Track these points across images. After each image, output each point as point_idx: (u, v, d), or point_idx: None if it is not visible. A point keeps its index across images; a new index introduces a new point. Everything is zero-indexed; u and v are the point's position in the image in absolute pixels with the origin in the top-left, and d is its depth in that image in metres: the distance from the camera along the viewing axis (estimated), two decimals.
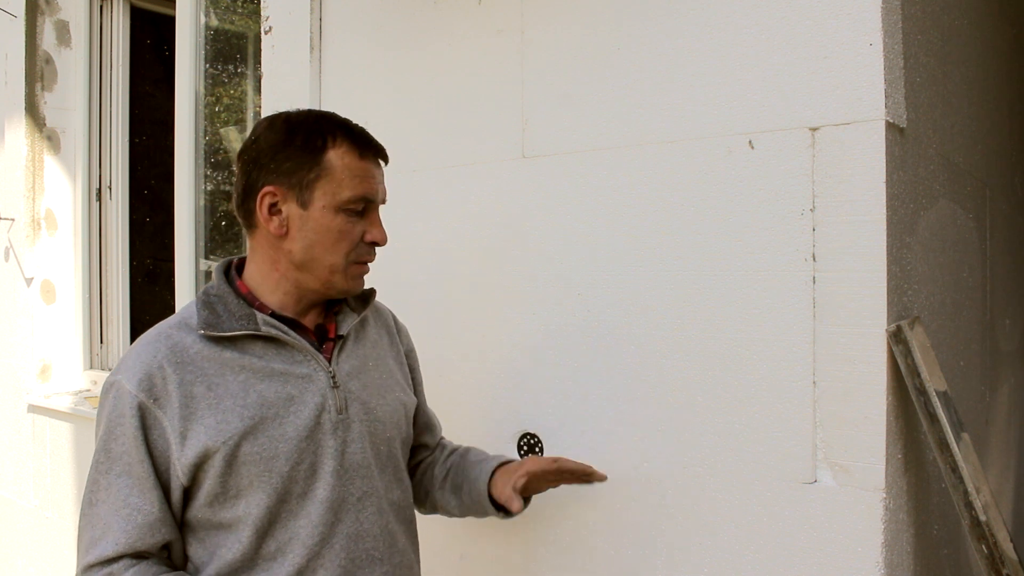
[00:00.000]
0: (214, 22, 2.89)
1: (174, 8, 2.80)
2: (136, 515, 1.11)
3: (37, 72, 3.09)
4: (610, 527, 1.51)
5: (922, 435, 1.36)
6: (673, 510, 1.43)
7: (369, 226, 1.24)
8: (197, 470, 1.14)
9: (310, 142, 1.19)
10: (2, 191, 3.20)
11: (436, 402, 1.73)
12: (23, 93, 3.08)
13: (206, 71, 2.82)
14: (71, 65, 3.16)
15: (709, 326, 1.39)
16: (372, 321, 1.38)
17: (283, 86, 2.07)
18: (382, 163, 1.27)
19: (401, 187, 1.83)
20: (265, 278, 1.23)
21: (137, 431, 1.12)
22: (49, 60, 3.11)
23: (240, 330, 1.17)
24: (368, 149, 1.23)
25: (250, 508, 1.15)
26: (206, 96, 2.83)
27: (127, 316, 3.23)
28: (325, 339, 1.27)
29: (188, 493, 1.16)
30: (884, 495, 1.23)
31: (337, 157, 1.19)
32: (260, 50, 2.14)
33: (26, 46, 3.07)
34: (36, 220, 3.12)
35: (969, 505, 1.24)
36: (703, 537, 1.40)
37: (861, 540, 1.25)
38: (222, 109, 3.00)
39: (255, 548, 1.16)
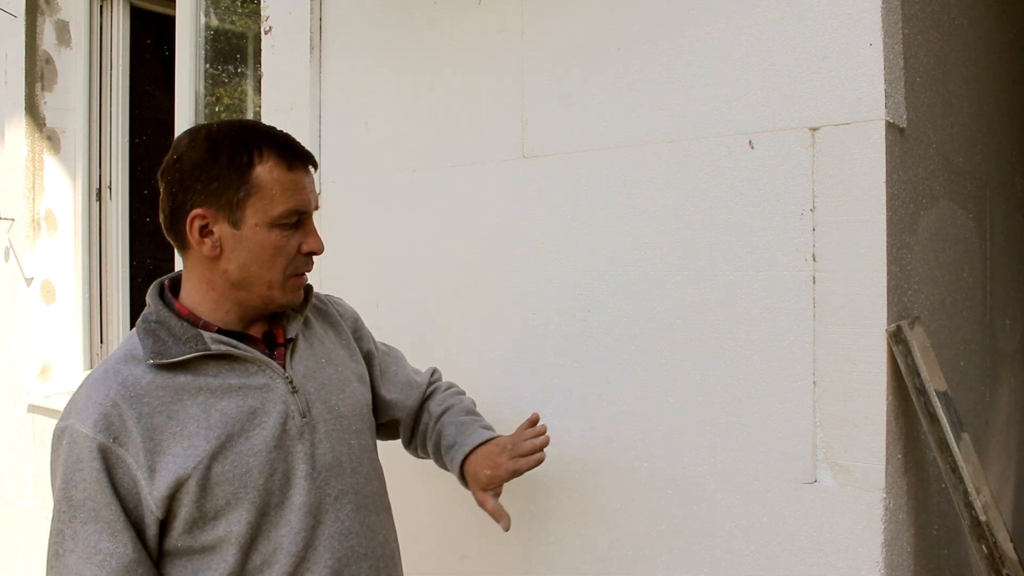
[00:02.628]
0: (214, 22, 2.89)
1: (174, 8, 2.81)
2: (110, 560, 1.07)
3: (37, 72, 3.09)
4: (610, 527, 1.51)
5: (922, 435, 1.36)
6: (673, 510, 1.43)
7: (304, 236, 1.20)
8: (172, 500, 1.10)
9: (235, 159, 1.14)
10: (2, 191, 3.21)
11: None
12: (23, 93, 3.08)
13: (206, 71, 2.82)
14: (71, 65, 3.16)
15: (709, 326, 1.39)
16: (315, 317, 1.36)
17: (283, 86, 2.07)
18: (312, 169, 1.23)
19: (401, 187, 1.83)
20: (204, 298, 1.20)
21: (100, 473, 1.08)
22: (49, 60, 3.11)
23: (190, 353, 1.13)
24: (296, 159, 1.18)
25: (231, 527, 1.13)
26: (206, 96, 2.83)
27: (127, 316, 3.23)
28: (275, 345, 1.25)
29: (164, 524, 1.12)
30: (884, 495, 1.23)
31: (265, 172, 1.15)
32: (260, 50, 2.14)
33: (26, 46, 3.07)
34: (36, 220, 3.12)
35: (969, 505, 1.24)
36: (703, 537, 1.40)
37: (861, 540, 1.25)
38: (222, 109, 3.00)
39: (241, 565, 1.14)
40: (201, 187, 1.14)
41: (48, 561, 1.11)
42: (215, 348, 1.15)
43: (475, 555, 1.71)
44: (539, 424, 1.38)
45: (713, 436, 1.38)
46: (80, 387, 1.15)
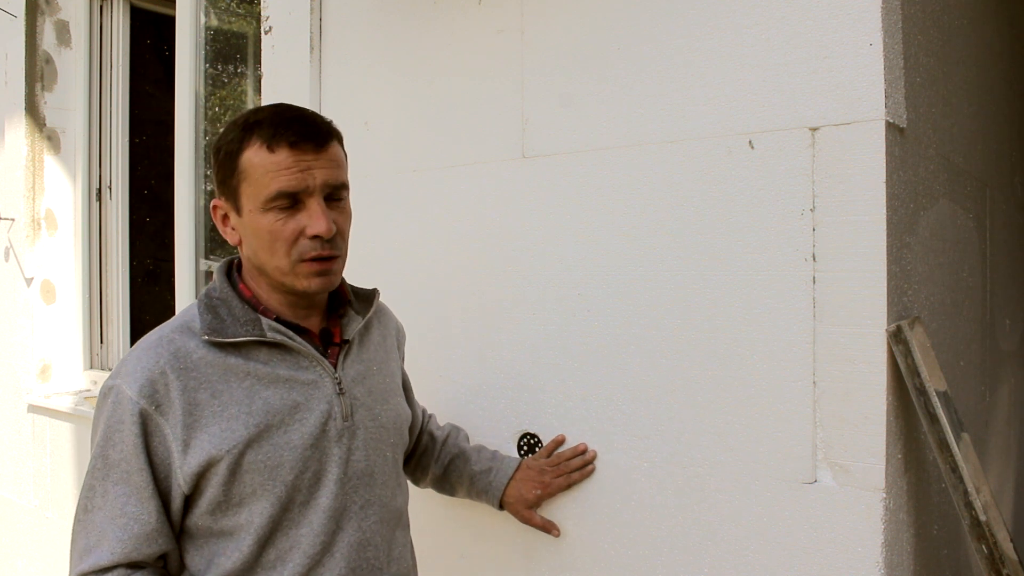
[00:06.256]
0: (214, 22, 2.89)
1: (174, 8, 2.81)
2: (133, 524, 1.08)
3: (37, 72, 3.09)
4: (610, 527, 1.51)
5: (922, 435, 1.36)
6: (673, 510, 1.43)
7: (307, 219, 1.13)
8: (200, 478, 1.11)
9: (230, 146, 1.15)
10: (2, 191, 3.20)
11: (436, 402, 1.74)
12: (23, 93, 3.08)
13: (206, 71, 2.82)
14: (71, 65, 3.16)
15: (709, 326, 1.39)
16: (376, 323, 1.36)
17: (283, 86, 2.07)
18: (311, 146, 1.13)
19: (401, 187, 1.83)
20: (257, 283, 1.21)
21: (137, 438, 1.08)
22: (49, 60, 3.11)
23: (245, 336, 1.13)
24: (278, 140, 1.11)
25: (252, 516, 1.13)
26: (206, 96, 2.83)
27: (127, 316, 3.23)
28: (330, 343, 1.24)
29: (189, 501, 1.13)
30: (884, 495, 1.23)
31: (251, 155, 1.12)
32: (260, 50, 2.14)
33: (26, 46, 3.07)
34: (36, 220, 3.12)
35: (969, 505, 1.24)
36: (703, 537, 1.40)
37: (861, 540, 1.25)
38: (222, 110, 3.00)
39: (255, 556, 1.14)
40: (216, 178, 1.18)
41: (76, 514, 1.13)
42: (270, 336, 1.15)
43: (475, 555, 1.71)
44: (580, 445, 1.53)
45: (713, 436, 1.38)
46: (133, 349, 1.16)
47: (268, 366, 1.16)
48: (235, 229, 1.19)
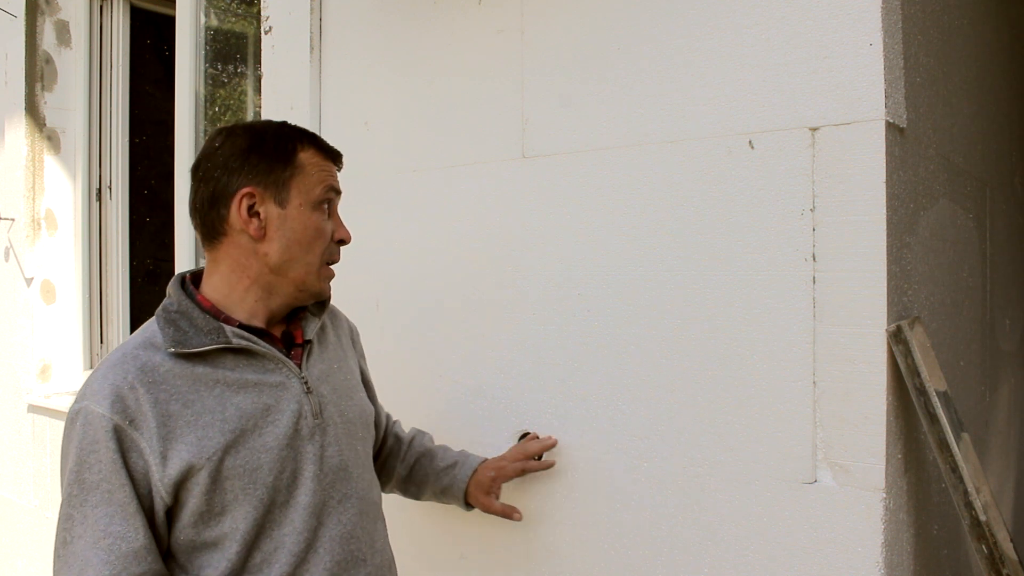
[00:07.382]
0: (214, 22, 2.89)
1: (174, 8, 2.81)
2: (119, 544, 1.05)
3: (37, 72, 3.09)
4: (610, 527, 1.51)
5: (922, 435, 1.36)
6: (673, 510, 1.43)
7: (336, 225, 1.27)
8: (180, 488, 1.10)
9: (280, 143, 1.21)
10: (2, 191, 3.21)
11: (436, 402, 1.74)
12: (23, 93, 3.08)
13: (206, 71, 2.82)
14: (71, 65, 3.16)
15: (709, 326, 1.39)
16: (329, 324, 1.38)
17: (283, 86, 2.07)
18: (339, 167, 1.31)
19: (401, 187, 1.83)
20: (232, 288, 1.20)
21: (115, 454, 1.06)
22: (49, 60, 3.11)
23: (210, 344, 1.13)
24: (327, 151, 1.27)
25: (236, 523, 1.13)
26: (206, 96, 2.83)
27: (127, 316, 3.24)
28: (292, 345, 1.26)
29: (171, 515, 1.12)
30: (884, 495, 1.23)
31: (307, 157, 1.22)
32: (260, 50, 2.14)
33: (26, 46, 3.07)
34: (36, 220, 3.12)
35: (969, 505, 1.24)
36: (703, 537, 1.40)
37: (861, 540, 1.25)
38: (223, 109, 3.00)
39: (242, 562, 1.13)
40: (248, 167, 1.18)
41: (55, 549, 1.09)
42: (235, 342, 1.15)
43: (475, 555, 1.71)
44: (546, 436, 1.57)
45: (713, 436, 1.38)
46: (96, 370, 1.14)
47: (236, 372, 1.16)
48: (265, 221, 1.18)
